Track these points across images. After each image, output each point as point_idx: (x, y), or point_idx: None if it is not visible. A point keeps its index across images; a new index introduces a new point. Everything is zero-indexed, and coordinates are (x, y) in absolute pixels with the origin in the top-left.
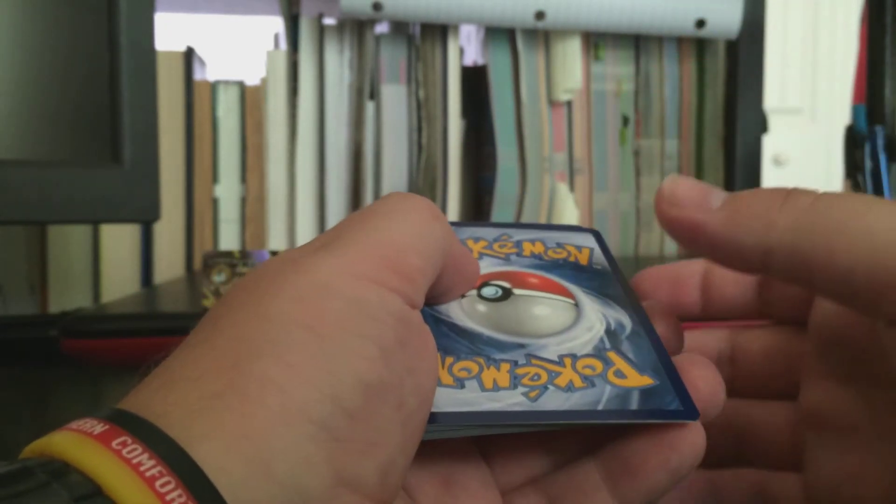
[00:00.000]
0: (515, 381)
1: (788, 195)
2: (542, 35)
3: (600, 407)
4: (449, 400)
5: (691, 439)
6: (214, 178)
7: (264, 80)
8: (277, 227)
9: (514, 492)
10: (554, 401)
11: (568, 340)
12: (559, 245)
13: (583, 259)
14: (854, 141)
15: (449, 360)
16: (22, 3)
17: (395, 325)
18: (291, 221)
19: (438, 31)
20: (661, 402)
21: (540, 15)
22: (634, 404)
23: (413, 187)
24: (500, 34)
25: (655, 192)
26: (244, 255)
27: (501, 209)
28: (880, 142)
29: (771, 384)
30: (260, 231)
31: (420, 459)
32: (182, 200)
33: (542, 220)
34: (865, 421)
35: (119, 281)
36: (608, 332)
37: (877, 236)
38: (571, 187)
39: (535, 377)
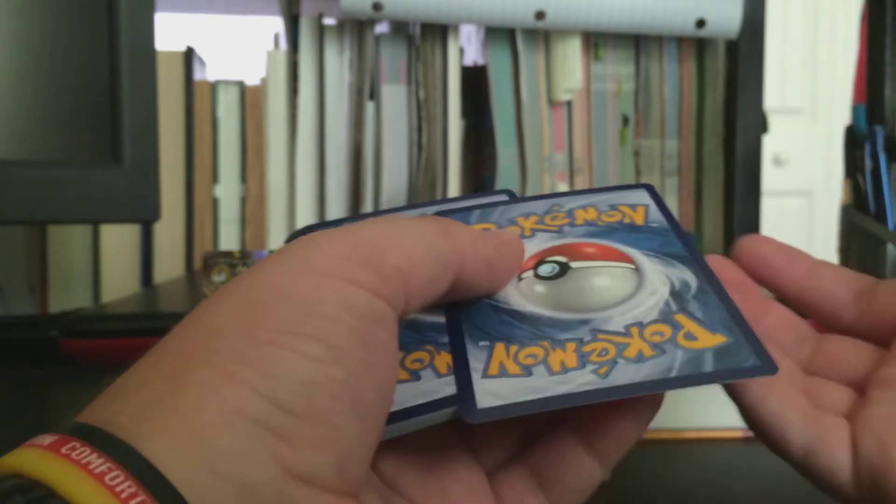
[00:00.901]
0: (583, 360)
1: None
2: (542, 35)
3: (673, 374)
4: (519, 389)
5: None
6: (214, 178)
7: (264, 80)
8: (277, 227)
9: (499, 469)
10: (625, 374)
11: (633, 308)
12: (612, 207)
13: (638, 218)
14: (854, 141)
15: (513, 348)
16: (22, 3)
17: (352, 322)
18: (291, 221)
19: (438, 31)
20: (736, 359)
21: (540, 15)
22: (709, 366)
23: (413, 187)
24: (500, 34)
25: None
26: (244, 255)
27: None
28: (880, 142)
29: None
30: (260, 231)
31: (399, 449)
32: (182, 200)
33: None
34: None
35: (119, 281)
36: (673, 293)
37: None
38: (571, 187)
39: (603, 352)
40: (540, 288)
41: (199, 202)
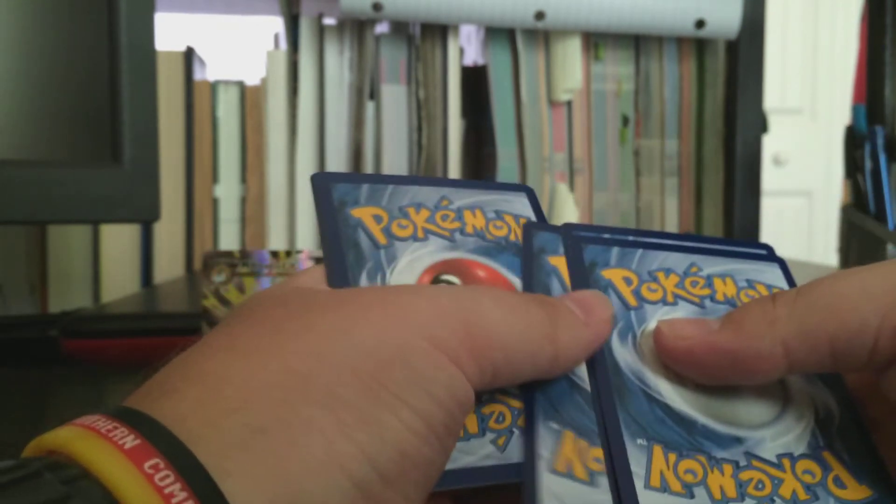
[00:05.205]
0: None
1: (774, 296)
2: (542, 35)
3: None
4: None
5: None
6: (214, 178)
7: (264, 80)
8: (277, 227)
9: None
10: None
11: None
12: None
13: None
14: (854, 141)
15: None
16: (22, 4)
17: (451, 409)
18: (291, 221)
19: (438, 31)
20: None
21: (540, 15)
22: None
23: None
24: (500, 34)
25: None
26: (244, 255)
27: None
28: (880, 142)
29: None
30: (260, 231)
31: None
32: (182, 200)
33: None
34: None
35: (119, 281)
36: None
37: (870, 286)
38: (571, 187)
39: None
40: None
41: (199, 202)
